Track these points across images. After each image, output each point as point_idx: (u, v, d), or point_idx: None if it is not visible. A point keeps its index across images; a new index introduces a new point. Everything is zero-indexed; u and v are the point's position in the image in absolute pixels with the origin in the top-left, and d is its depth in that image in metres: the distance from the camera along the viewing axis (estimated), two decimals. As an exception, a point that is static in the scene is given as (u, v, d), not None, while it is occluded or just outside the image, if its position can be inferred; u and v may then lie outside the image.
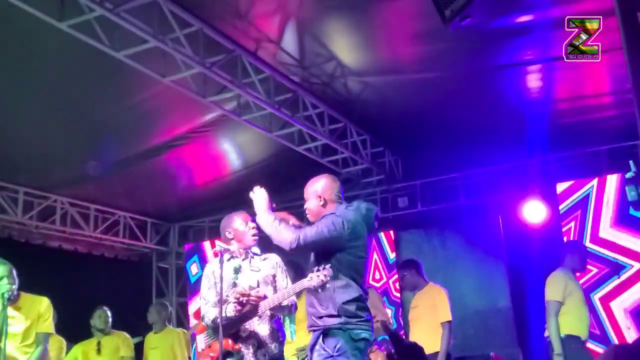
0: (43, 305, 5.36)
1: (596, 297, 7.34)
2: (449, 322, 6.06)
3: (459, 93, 6.80)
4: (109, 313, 7.15)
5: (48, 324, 5.38)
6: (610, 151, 7.36)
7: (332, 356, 3.82)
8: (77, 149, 7.34)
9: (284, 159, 7.87)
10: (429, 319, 6.09)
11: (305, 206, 4.24)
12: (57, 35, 5.00)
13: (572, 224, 7.57)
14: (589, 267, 7.31)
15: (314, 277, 3.81)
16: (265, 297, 4.25)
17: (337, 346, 3.83)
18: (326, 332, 3.88)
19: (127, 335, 7.33)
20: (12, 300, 5.15)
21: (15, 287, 5.13)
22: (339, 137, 7.54)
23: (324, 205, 4.15)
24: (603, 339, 7.19)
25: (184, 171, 8.64)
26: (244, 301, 4.18)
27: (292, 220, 4.34)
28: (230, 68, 5.96)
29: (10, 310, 5.10)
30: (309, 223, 4.22)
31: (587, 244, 7.39)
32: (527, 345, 7.25)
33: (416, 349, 2.16)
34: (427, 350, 5.95)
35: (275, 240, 3.95)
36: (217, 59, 5.76)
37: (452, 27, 3.07)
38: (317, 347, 3.90)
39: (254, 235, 4.49)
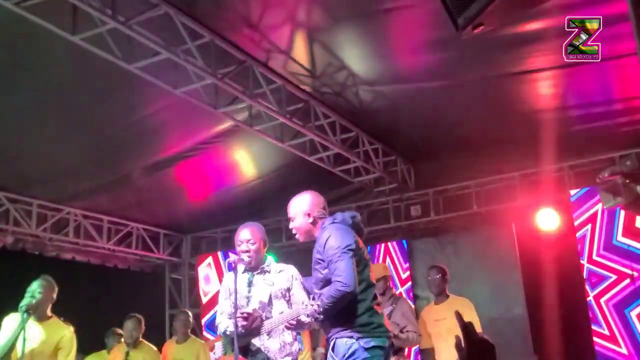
0: (66, 335, 5.33)
1: (609, 302, 7.21)
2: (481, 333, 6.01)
3: (470, 101, 6.78)
4: (133, 325, 7.01)
5: (70, 359, 5.36)
6: (622, 158, 7.29)
7: None
8: (90, 161, 7.36)
9: (296, 169, 7.86)
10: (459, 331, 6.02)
11: (292, 226, 4.21)
12: (69, 49, 5.03)
13: (588, 230, 7.51)
14: (601, 271, 7.25)
15: (309, 307, 3.80)
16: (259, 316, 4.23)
17: (346, 355, 3.82)
18: (337, 341, 3.87)
19: (155, 351, 7.22)
20: (40, 317, 5.16)
21: (36, 301, 5.13)
22: (351, 146, 7.53)
23: (313, 223, 4.15)
24: (614, 341, 7.07)
25: (196, 182, 8.65)
26: (247, 317, 4.17)
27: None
28: (242, 79, 5.97)
29: (35, 326, 5.12)
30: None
31: (602, 251, 7.33)
32: (544, 354, 7.20)
33: (489, 346, 2.11)
34: None
35: (338, 304, 3.81)
36: (228, 70, 5.77)
37: (465, 35, 3.05)
38: (329, 355, 3.91)
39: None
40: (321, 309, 3.77)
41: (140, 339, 7.10)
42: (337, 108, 7.05)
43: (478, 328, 6.00)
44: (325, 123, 7.00)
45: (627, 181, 3.10)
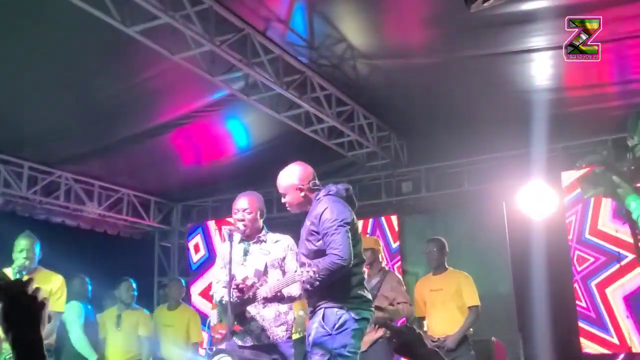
0: (56, 283, 5.42)
1: (593, 283, 7.39)
2: (478, 306, 6.13)
3: (466, 79, 6.78)
4: (134, 286, 7.21)
5: (60, 303, 5.44)
6: (615, 141, 7.32)
7: (330, 334, 3.85)
8: (83, 125, 7.31)
9: (289, 141, 7.85)
10: (455, 303, 6.14)
11: (284, 201, 4.19)
12: (65, 10, 4.97)
13: (574, 215, 7.58)
14: (586, 256, 7.38)
15: (304, 273, 3.80)
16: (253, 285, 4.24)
17: (337, 324, 3.85)
18: (327, 310, 3.90)
19: (147, 313, 7.36)
20: (29, 271, 5.22)
21: (28, 262, 5.20)
22: (346, 120, 7.53)
23: (304, 197, 4.14)
24: (598, 322, 7.30)
25: (188, 150, 8.63)
26: (242, 288, 4.18)
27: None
28: (240, 47, 5.94)
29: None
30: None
31: (587, 235, 7.44)
32: (528, 332, 7.29)
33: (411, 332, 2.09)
34: (451, 332, 6.00)
35: (333, 276, 3.83)
36: (226, 38, 5.73)
37: (474, 9, 3.04)
38: (315, 325, 3.92)
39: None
40: (317, 276, 3.78)
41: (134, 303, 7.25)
42: (334, 81, 7.04)
43: (476, 301, 6.12)
44: (321, 95, 7.00)
45: (605, 170, 3.12)
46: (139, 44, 5.42)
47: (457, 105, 7.31)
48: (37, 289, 1.58)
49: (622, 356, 7.14)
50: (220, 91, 6.89)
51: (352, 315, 3.89)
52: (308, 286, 3.90)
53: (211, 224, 9.91)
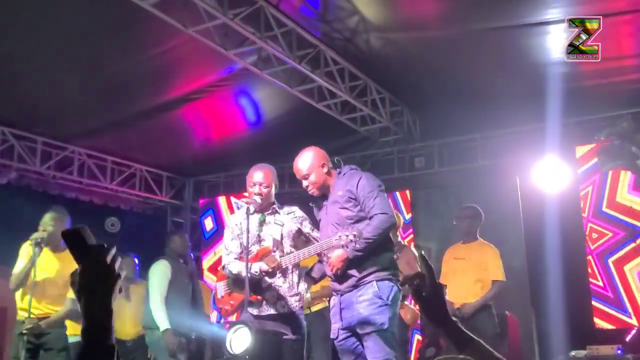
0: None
1: (610, 260, 7.35)
2: (501, 282, 6.11)
3: (481, 52, 6.73)
4: (136, 261, 7.27)
5: None
6: (633, 114, 7.24)
7: (387, 304, 3.97)
8: (96, 100, 7.32)
9: (302, 116, 7.82)
10: (476, 274, 6.11)
11: (307, 183, 4.27)
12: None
13: (590, 187, 7.52)
14: (604, 231, 7.34)
15: (343, 237, 3.87)
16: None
17: (390, 296, 4.00)
18: (379, 283, 4.01)
19: None
20: (55, 248, 5.23)
21: (47, 233, 5.20)
22: (359, 95, 7.48)
23: (328, 173, 4.28)
24: (611, 296, 7.28)
25: (200, 125, 8.62)
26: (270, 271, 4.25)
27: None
28: (253, 20, 5.90)
29: (51, 257, 5.27)
30: (315, 199, 4.34)
31: (604, 208, 7.39)
32: (541, 306, 7.29)
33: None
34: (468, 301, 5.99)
35: (384, 235, 4.07)
36: (240, 11, 5.70)
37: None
38: (368, 297, 3.99)
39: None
40: (361, 246, 3.93)
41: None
42: (347, 55, 6.99)
43: (499, 276, 6.09)
44: (334, 69, 6.95)
45: (623, 142, 3.08)
46: (152, 17, 5.39)
47: (471, 79, 7.25)
48: (115, 258, 1.52)
49: (634, 331, 7.13)
50: (232, 65, 6.86)
51: (399, 287, 4.07)
52: (358, 253, 3.98)
53: (223, 200, 9.91)
